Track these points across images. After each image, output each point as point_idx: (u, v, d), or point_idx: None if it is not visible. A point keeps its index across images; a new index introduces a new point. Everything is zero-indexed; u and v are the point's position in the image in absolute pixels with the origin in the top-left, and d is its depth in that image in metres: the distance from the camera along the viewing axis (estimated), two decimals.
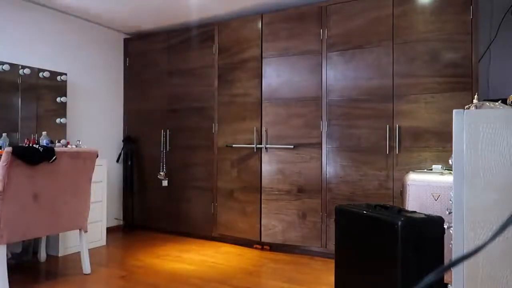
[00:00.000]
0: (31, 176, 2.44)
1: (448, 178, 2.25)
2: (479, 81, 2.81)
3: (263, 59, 3.56)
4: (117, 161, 4.38)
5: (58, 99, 3.73)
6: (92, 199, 2.94)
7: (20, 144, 3.27)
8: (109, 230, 4.02)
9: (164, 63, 4.19)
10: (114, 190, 4.35)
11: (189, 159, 3.99)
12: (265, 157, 3.53)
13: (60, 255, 3.29)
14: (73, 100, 3.91)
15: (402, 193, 2.57)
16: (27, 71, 3.45)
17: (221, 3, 3.55)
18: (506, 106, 1.53)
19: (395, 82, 3.02)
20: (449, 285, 1.37)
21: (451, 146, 1.32)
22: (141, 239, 3.90)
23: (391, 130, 3.01)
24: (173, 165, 4.08)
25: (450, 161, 1.39)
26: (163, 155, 4.13)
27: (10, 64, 3.30)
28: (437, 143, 2.87)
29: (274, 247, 3.52)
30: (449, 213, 1.37)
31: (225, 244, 3.71)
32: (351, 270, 2.08)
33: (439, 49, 2.88)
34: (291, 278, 2.80)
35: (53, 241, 3.31)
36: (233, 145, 3.70)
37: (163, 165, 4.12)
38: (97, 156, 2.89)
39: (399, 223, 1.71)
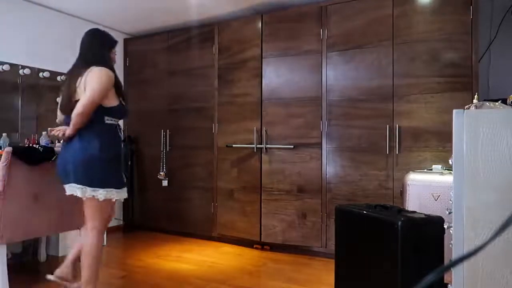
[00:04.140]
0: (31, 176, 2.43)
1: (448, 178, 2.25)
2: (479, 81, 2.81)
3: (263, 59, 3.56)
4: None
5: (58, 99, 3.72)
6: None
7: (20, 144, 3.27)
8: (109, 230, 4.01)
9: (164, 63, 4.18)
10: None
11: (189, 159, 3.99)
12: (265, 157, 3.53)
13: (60, 255, 3.29)
14: None
15: (402, 193, 2.57)
16: (27, 71, 3.44)
17: (221, 3, 3.55)
18: (506, 106, 1.53)
19: (395, 82, 3.02)
20: (449, 285, 1.37)
21: (451, 146, 1.32)
22: (141, 239, 3.90)
23: (391, 130, 3.01)
24: (173, 165, 4.08)
25: (450, 161, 1.39)
26: (163, 155, 4.13)
27: (10, 64, 3.30)
28: (437, 143, 2.87)
29: (274, 247, 3.52)
30: (449, 213, 1.37)
31: (225, 244, 3.71)
32: (351, 270, 2.08)
33: (439, 49, 2.88)
34: (291, 278, 2.80)
35: (53, 241, 3.31)
36: (233, 145, 3.69)
37: (163, 165, 4.12)
38: None
39: (399, 223, 1.71)
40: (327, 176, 3.27)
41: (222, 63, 3.81)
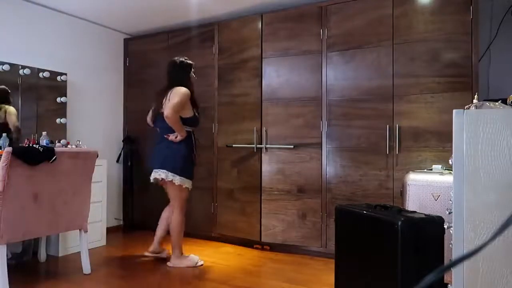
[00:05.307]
0: (31, 176, 2.43)
1: (448, 178, 2.25)
2: (479, 81, 2.81)
3: (263, 59, 3.56)
4: (117, 161, 4.38)
5: (58, 99, 3.73)
6: (92, 199, 2.93)
7: (20, 144, 3.27)
8: (109, 230, 4.01)
9: (164, 63, 4.17)
10: (114, 190, 4.35)
11: None
12: (265, 157, 3.53)
13: (60, 255, 3.29)
14: (73, 100, 3.90)
15: (402, 193, 2.57)
16: (27, 71, 3.45)
17: (221, 3, 3.55)
18: (506, 106, 1.53)
19: (395, 82, 3.02)
20: (449, 285, 1.37)
21: (451, 146, 1.32)
22: (141, 239, 3.89)
23: (391, 130, 3.01)
24: None
25: (450, 161, 1.39)
26: None
27: (10, 64, 3.30)
28: (437, 143, 2.87)
29: (274, 247, 3.52)
30: (449, 213, 1.37)
31: (225, 244, 3.71)
32: (351, 270, 2.08)
33: (439, 49, 2.88)
34: (291, 278, 2.80)
35: (53, 241, 3.31)
36: (233, 145, 3.69)
37: None
38: (97, 156, 2.89)
39: (399, 223, 1.71)
40: (327, 176, 3.27)
41: (222, 63, 3.81)
